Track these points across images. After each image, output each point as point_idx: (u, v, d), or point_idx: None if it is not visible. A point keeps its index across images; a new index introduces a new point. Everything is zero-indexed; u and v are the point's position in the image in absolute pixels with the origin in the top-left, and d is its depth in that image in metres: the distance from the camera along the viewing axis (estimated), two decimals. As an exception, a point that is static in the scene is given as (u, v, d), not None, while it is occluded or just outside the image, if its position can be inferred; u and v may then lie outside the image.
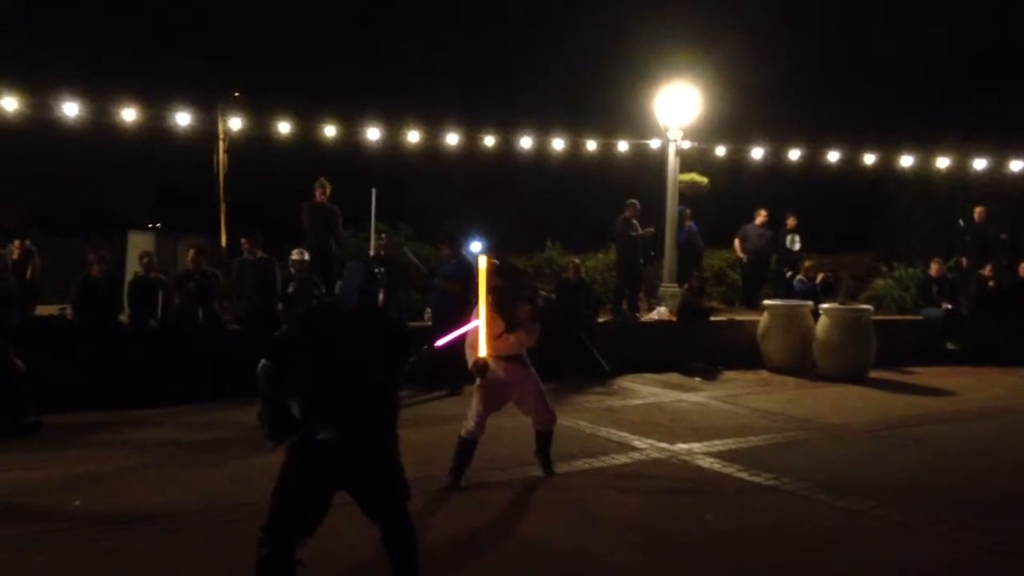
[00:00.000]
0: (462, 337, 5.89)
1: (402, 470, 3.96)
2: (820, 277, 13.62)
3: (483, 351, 5.69)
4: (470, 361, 5.85)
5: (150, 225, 12.96)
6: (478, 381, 6.15)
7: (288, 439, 3.75)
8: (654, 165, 14.28)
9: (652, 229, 13.39)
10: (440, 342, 4.89)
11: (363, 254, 11.00)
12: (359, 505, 3.91)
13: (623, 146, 14.55)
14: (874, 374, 11.72)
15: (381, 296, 4.00)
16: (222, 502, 5.75)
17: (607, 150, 14.56)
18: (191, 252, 10.57)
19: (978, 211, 14.58)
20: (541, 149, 14.24)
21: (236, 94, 15.46)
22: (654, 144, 14.17)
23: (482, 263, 5.79)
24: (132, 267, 10.98)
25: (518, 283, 6.50)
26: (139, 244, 11.64)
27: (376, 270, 4.03)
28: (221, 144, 16.07)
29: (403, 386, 4.20)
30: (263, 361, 3.74)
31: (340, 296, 4.18)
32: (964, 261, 14.44)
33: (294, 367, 3.78)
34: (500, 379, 6.23)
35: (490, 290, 5.90)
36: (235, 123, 13.72)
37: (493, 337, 5.96)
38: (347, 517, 4.10)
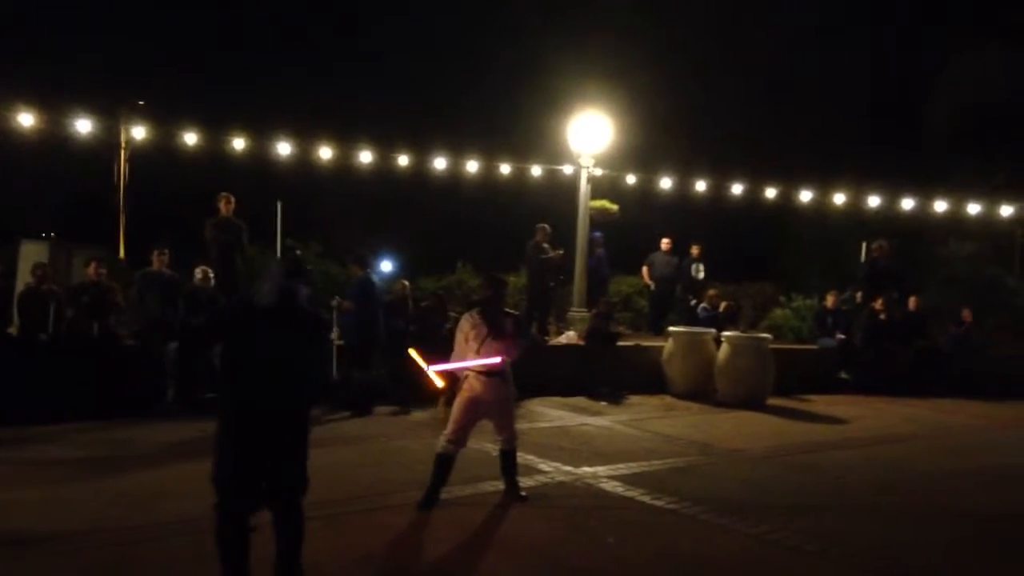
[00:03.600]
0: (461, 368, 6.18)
1: (305, 462, 4.23)
2: (723, 306, 13.97)
3: (438, 382, 6.20)
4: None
5: (44, 235, 12.42)
6: (458, 396, 6.29)
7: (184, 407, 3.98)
8: (566, 190, 14.46)
9: (561, 252, 13.53)
10: (436, 368, 5.30)
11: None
12: (266, 487, 4.16)
13: (536, 170, 14.69)
14: (772, 401, 12.05)
15: (305, 291, 4.28)
16: (111, 525, 5.51)
17: (520, 174, 14.68)
18: (92, 264, 10.19)
19: (876, 246, 15.20)
20: (454, 170, 14.27)
21: (141, 103, 15.03)
22: (567, 170, 14.36)
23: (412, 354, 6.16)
24: (24, 278, 10.51)
25: (503, 295, 6.57)
26: (32, 254, 11.16)
27: (300, 267, 4.31)
28: (123, 153, 15.58)
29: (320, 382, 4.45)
30: (173, 343, 4.01)
31: (258, 291, 4.30)
32: (858, 295, 14.96)
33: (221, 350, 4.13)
34: (478, 395, 6.27)
35: (478, 301, 6.17)
36: (138, 132, 13.33)
37: (478, 346, 6.13)
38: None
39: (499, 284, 6.51)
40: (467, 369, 6.24)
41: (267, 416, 4.11)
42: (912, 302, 14.56)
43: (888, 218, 16.90)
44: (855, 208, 16.64)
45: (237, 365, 4.14)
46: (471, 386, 6.27)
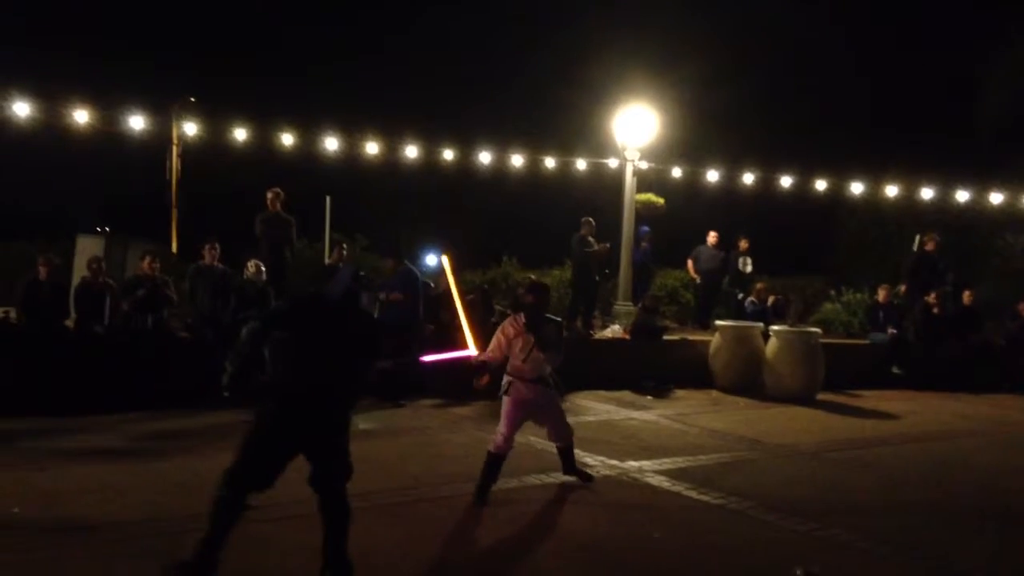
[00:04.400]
0: (449, 360, 6.29)
1: (348, 450, 4.46)
2: (771, 300, 13.81)
3: (473, 350, 6.30)
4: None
5: (99, 229, 12.69)
6: (505, 398, 6.39)
7: (239, 392, 4.47)
8: (612, 184, 14.39)
9: (608, 245, 13.47)
10: (427, 359, 5.42)
11: (318, 263, 10.92)
12: (311, 472, 4.39)
13: (581, 164, 14.66)
14: (821, 396, 11.90)
15: (364, 297, 4.73)
16: (164, 513, 5.63)
17: (565, 167, 14.65)
18: (146, 258, 10.39)
19: (928, 238, 14.92)
20: (499, 164, 14.29)
21: (191, 99, 15.23)
22: (612, 163, 14.29)
23: (444, 262, 6.10)
24: (80, 271, 10.75)
25: (546, 302, 6.66)
26: (88, 248, 11.40)
27: (362, 273, 4.69)
28: (175, 149, 15.82)
29: (368, 380, 4.86)
30: (253, 323, 4.40)
31: (329, 289, 4.66)
32: (902, 288, 14.65)
33: (279, 338, 4.41)
34: (526, 398, 6.38)
35: (520, 307, 6.38)
36: (190, 128, 13.57)
37: (525, 356, 6.28)
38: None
39: (541, 291, 6.66)
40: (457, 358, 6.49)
41: (319, 405, 4.35)
42: (966, 296, 14.25)
43: (942, 210, 16.57)
44: (908, 200, 16.32)
45: (301, 354, 4.40)
46: (517, 390, 6.38)
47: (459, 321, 6.60)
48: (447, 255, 6.64)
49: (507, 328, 6.42)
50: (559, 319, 6.83)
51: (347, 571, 4.38)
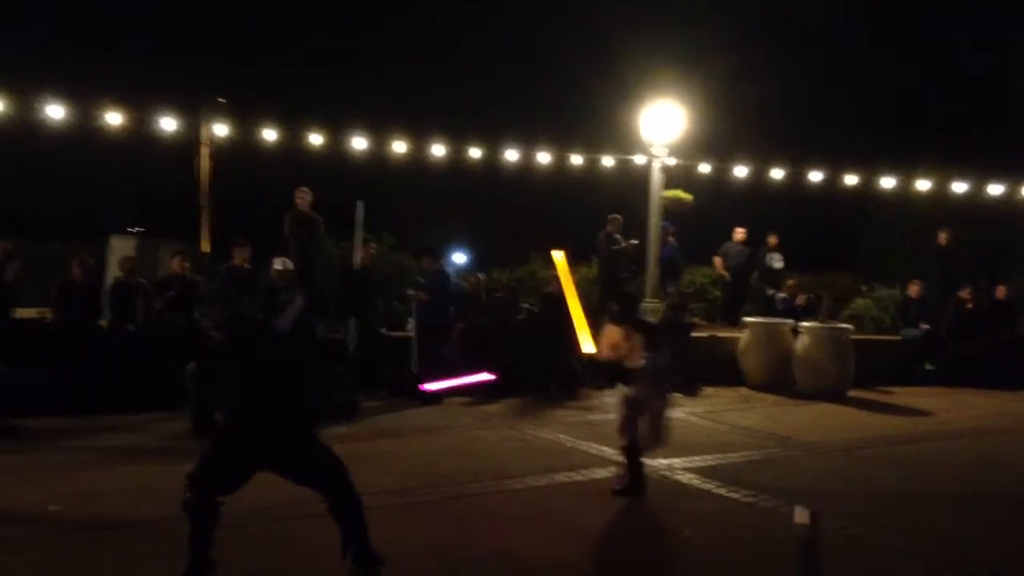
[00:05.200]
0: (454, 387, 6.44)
1: (323, 458, 4.47)
2: (802, 299, 13.69)
3: (590, 347, 6.35)
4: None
5: (131, 230, 12.83)
6: (621, 396, 6.53)
7: (205, 435, 4.46)
8: (638, 181, 14.34)
9: (635, 242, 13.43)
10: (432, 387, 5.52)
11: (346, 262, 10.98)
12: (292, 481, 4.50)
13: (608, 161, 14.61)
14: (852, 393, 11.80)
15: (321, 327, 4.89)
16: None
17: (592, 164, 14.61)
18: (176, 257, 10.52)
19: (943, 235, 14.73)
20: (526, 162, 14.28)
21: (221, 99, 15.34)
22: (639, 160, 14.24)
23: (557, 256, 6.26)
24: (113, 272, 10.90)
25: (635, 308, 6.78)
26: (120, 249, 11.55)
27: (322, 305, 4.62)
28: (204, 149, 15.96)
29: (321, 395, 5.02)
30: (191, 364, 4.46)
31: (278, 322, 4.62)
32: (915, 287, 14.45)
33: (222, 374, 4.48)
34: (630, 394, 6.52)
35: (615, 314, 6.59)
36: (219, 129, 13.69)
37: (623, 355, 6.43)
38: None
39: (628, 299, 6.90)
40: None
41: (265, 437, 4.41)
42: (1000, 291, 14.06)
43: (974, 204, 16.34)
44: (939, 195, 16.11)
45: (244, 386, 4.42)
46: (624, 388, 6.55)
47: (572, 320, 6.66)
48: (560, 251, 6.74)
49: (610, 333, 6.57)
50: (652, 322, 6.99)
51: (372, 563, 4.44)
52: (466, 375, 6.84)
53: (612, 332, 6.57)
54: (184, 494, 4.30)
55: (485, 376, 6.67)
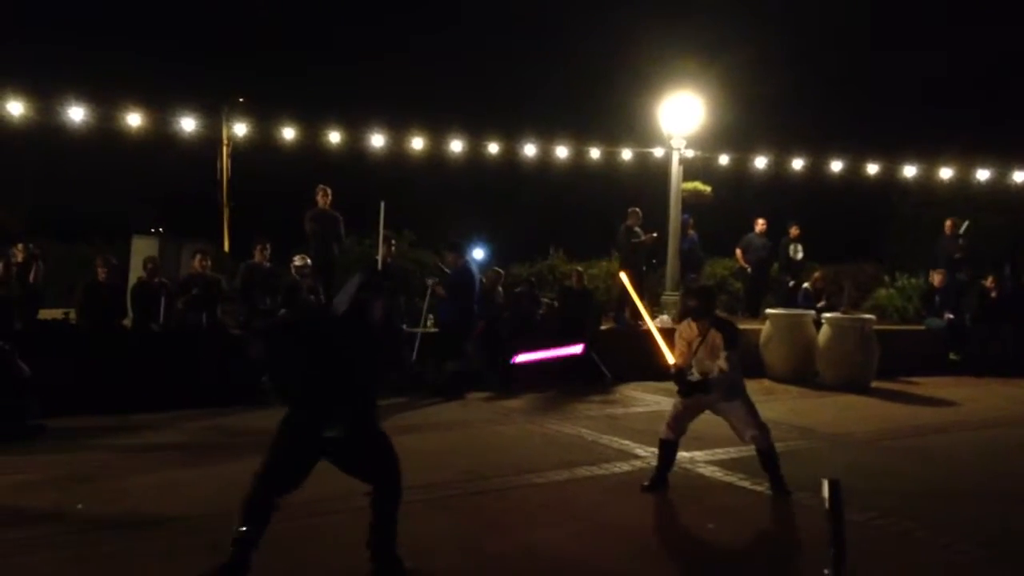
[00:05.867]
0: (543, 359, 6.38)
1: (382, 445, 4.52)
2: (823, 300, 13.57)
3: (670, 358, 6.23)
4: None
5: (153, 230, 12.93)
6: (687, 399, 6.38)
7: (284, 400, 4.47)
8: (658, 173, 14.29)
9: (655, 235, 13.40)
10: (520, 359, 5.47)
11: (369, 261, 11.03)
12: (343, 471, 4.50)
13: (627, 154, 14.57)
14: (876, 384, 11.71)
15: (378, 305, 4.53)
16: (222, 508, 5.72)
17: (611, 158, 14.58)
18: (197, 256, 10.60)
19: (947, 224, 14.57)
20: (545, 156, 14.27)
21: (240, 99, 15.45)
22: (658, 152, 14.19)
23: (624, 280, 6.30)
24: (136, 272, 11.00)
25: (712, 304, 6.64)
26: (143, 249, 11.67)
27: (377, 281, 4.61)
28: (225, 149, 16.08)
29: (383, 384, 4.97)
30: (255, 339, 4.53)
31: (335, 303, 4.65)
32: (938, 276, 14.30)
33: (285, 362, 4.48)
34: (708, 402, 6.38)
35: (690, 310, 6.43)
36: (239, 128, 13.78)
37: (704, 353, 6.30)
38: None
39: (705, 294, 6.64)
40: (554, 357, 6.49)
41: (330, 422, 4.40)
42: (1026, 279, 13.92)
43: (998, 191, 16.16)
44: (963, 183, 15.95)
45: (308, 371, 4.43)
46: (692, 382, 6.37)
47: (652, 335, 6.59)
48: (627, 273, 6.72)
49: (683, 331, 6.47)
50: (728, 319, 6.84)
51: (392, 565, 4.45)
52: (554, 348, 6.85)
53: (687, 329, 6.45)
54: (248, 492, 4.34)
55: (574, 348, 6.60)
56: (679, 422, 6.47)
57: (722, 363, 6.17)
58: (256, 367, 4.53)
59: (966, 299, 13.92)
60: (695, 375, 6.31)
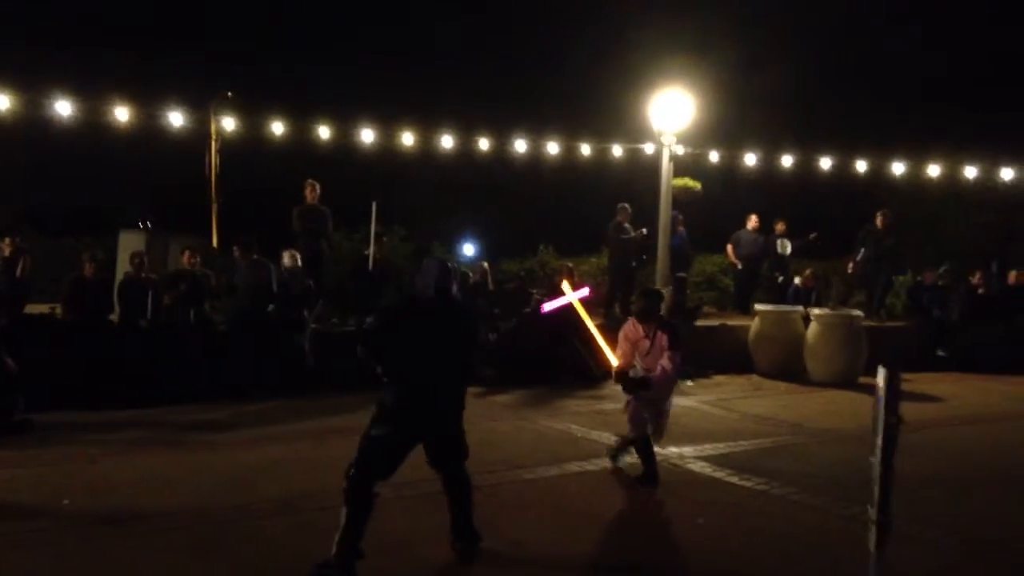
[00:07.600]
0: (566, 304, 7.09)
1: (463, 434, 4.81)
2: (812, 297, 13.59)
3: (613, 360, 6.46)
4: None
5: (140, 225, 12.85)
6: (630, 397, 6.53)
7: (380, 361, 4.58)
8: (648, 169, 14.29)
9: (644, 231, 13.40)
10: (547, 307, 5.83)
11: (359, 256, 11.00)
12: (428, 456, 4.73)
13: (617, 150, 14.56)
14: (864, 380, 11.74)
15: (455, 287, 4.81)
16: (212, 503, 5.72)
17: (601, 154, 14.57)
18: (186, 252, 10.55)
19: (879, 217, 14.52)
20: (535, 152, 14.25)
21: (229, 94, 15.36)
22: (648, 149, 14.18)
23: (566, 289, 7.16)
24: (123, 267, 10.93)
25: (657, 306, 6.78)
26: (130, 244, 11.58)
27: (449, 264, 4.84)
28: (213, 144, 16.00)
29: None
30: (360, 347, 4.55)
31: (419, 288, 4.79)
32: (929, 274, 14.34)
33: (385, 349, 4.58)
34: (652, 397, 6.50)
35: (638, 311, 6.62)
36: (228, 123, 13.70)
37: (645, 355, 6.46)
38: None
39: (652, 296, 6.80)
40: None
41: (431, 407, 4.64)
42: (1012, 276, 13.98)
43: (986, 189, 16.23)
44: (951, 180, 16.01)
45: (408, 357, 4.58)
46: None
47: (596, 343, 6.82)
48: (567, 279, 7.03)
49: (627, 330, 6.57)
50: (674, 323, 6.99)
51: (474, 540, 4.81)
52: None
53: (633, 329, 6.54)
54: (347, 483, 4.43)
55: (582, 291, 6.98)
56: (639, 415, 6.52)
57: (665, 362, 6.35)
58: (363, 362, 4.57)
59: (954, 296, 13.98)
60: (639, 371, 6.48)
